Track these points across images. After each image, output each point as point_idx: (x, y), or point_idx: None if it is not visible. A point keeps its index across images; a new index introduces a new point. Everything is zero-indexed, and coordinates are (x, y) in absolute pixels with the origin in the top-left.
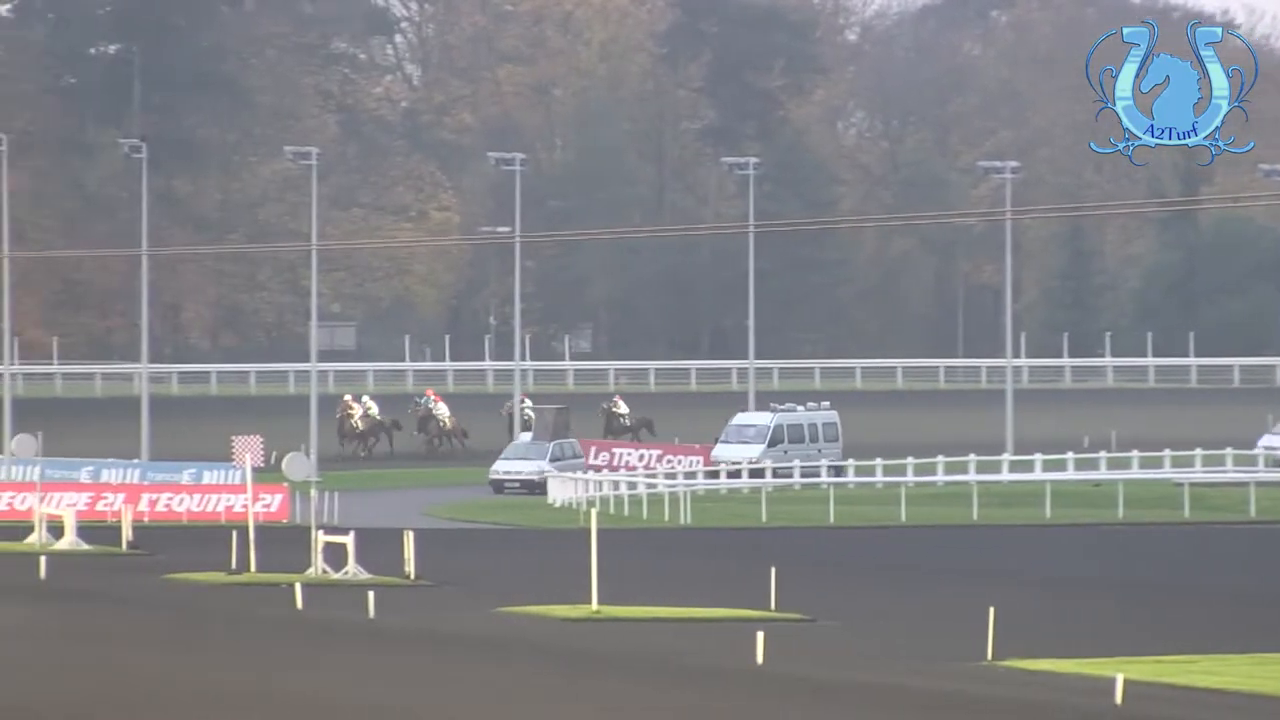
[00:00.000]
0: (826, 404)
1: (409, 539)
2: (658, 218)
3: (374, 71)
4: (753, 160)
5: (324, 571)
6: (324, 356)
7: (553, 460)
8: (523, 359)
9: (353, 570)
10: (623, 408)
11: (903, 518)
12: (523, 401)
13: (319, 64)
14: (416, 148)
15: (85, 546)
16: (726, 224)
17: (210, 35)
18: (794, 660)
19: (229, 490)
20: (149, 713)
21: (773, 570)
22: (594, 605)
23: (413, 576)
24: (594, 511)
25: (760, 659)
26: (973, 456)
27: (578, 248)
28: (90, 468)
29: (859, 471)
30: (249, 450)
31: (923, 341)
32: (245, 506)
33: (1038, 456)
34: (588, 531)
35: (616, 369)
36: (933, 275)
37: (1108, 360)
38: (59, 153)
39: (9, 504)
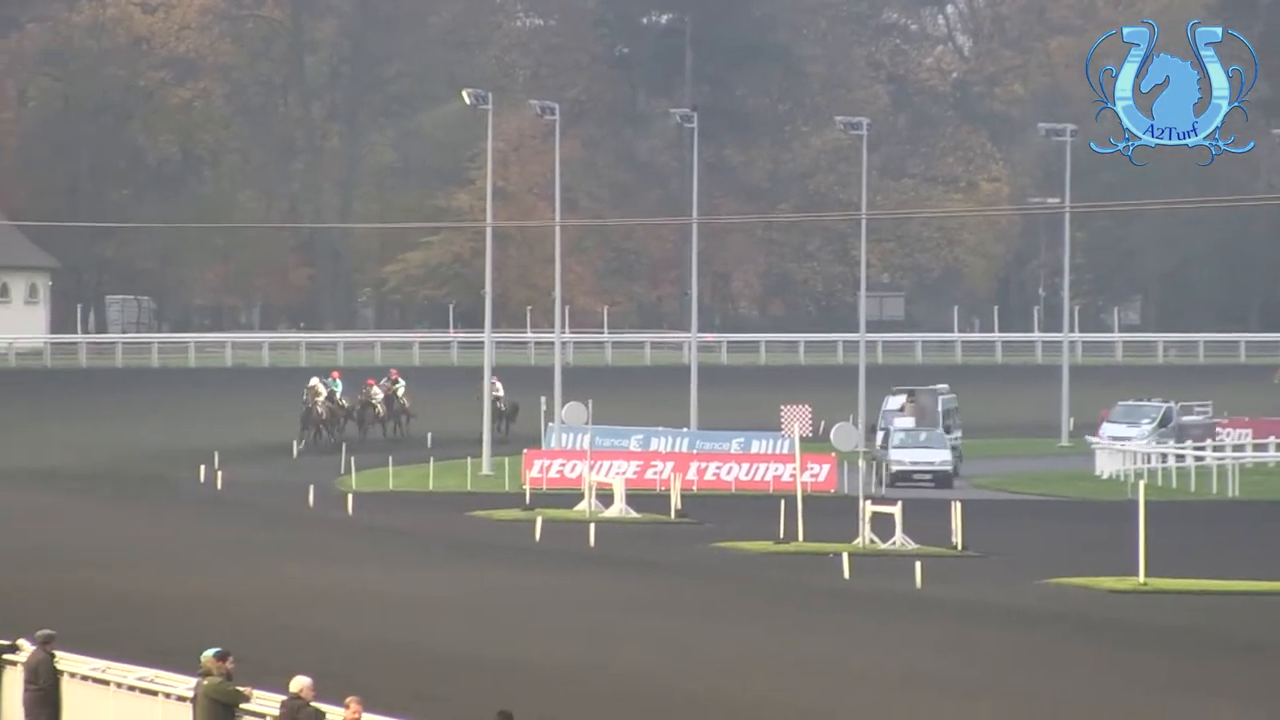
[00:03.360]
0: (944, 386)
1: (956, 510)
2: (1210, 189)
3: (925, 42)
4: None
5: (871, 541)
6: (873, 327)
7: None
8: (1071, 331)
9: (900, 541)
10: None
11: None
12: (493, 383)
13: (870, 34)
14: (966, 118)
15: (634, 514)
16: (1278, 196)
17: (762, 5)
18: None
19: (777, 459)
20: (698, 679)
21: None
22: (1141, 577)
23: (960, 547)
24: (1142, 484)
25: None
26: None
27: (1129, 219)
28: (639, 436)
29: None
30: (797, 420)
31: None
32: (793, 476)
33: None
34: (1135, 503)
35: (1165, 341)
36: None
37: None
38: (611, 122)
39: (559, 472)
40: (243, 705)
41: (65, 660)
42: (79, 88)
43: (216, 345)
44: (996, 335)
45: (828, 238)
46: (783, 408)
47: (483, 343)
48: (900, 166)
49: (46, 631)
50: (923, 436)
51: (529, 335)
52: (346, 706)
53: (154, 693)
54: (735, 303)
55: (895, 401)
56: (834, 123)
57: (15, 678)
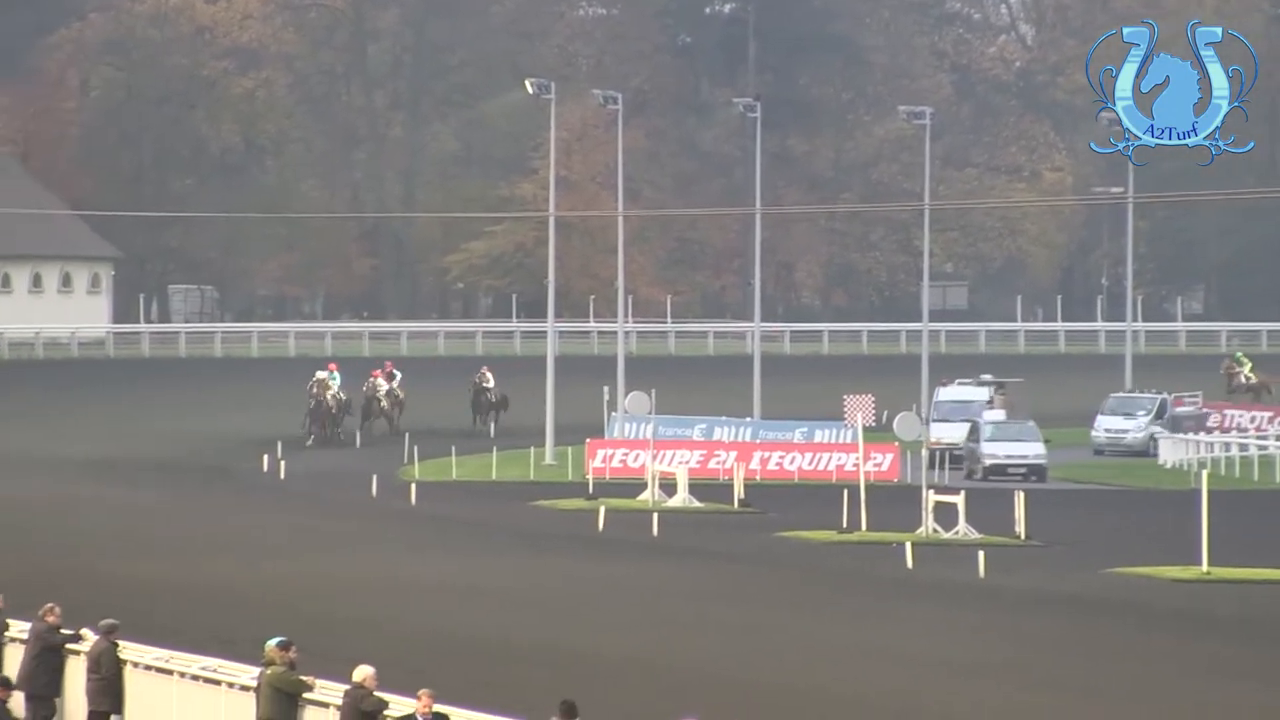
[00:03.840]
0: (989, 376)
1: (1020, 499)
2: (1271, 179)
3: (988, 31)
4: None
5: (934, 531)
6: (936, 316)
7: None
8: (1134, 320)
9: (963, 530)
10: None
11: None
12: (483, 372)
13: (933, 23)
14: (1029, 108)
15: (697, 504)
16: None
17: None
18: None
19: (840, 449)
20: (761, 669)
21: None
22: (1204, 567)
23: (1023, 537)
24: (1205, 473)
25: None
26: None
27: (1191, 209)
28: (702, 425)
29: None
30: (860, 409)
31: None
32: (856, 465)
33: None
34: (1198, 493)
35: (1228, 330)
36: None
37: None
38: (674, 111)
39: (622, 461)
40: (305, 695)
41: (128, 649)
42: (142, 77)
43: (280, 335)
44: (1059, 325)
45: (891, 227)
46: (846, 397)
47: (546, 332)
48: (963, 156)
49: (110, 621)
50: (1015, 430)
51: (592, 325)
52: (419, 699)
53: (217, 682)
54: (798, 292)
55: (947, 393)
56: (897, 112)
57: (78, 667)
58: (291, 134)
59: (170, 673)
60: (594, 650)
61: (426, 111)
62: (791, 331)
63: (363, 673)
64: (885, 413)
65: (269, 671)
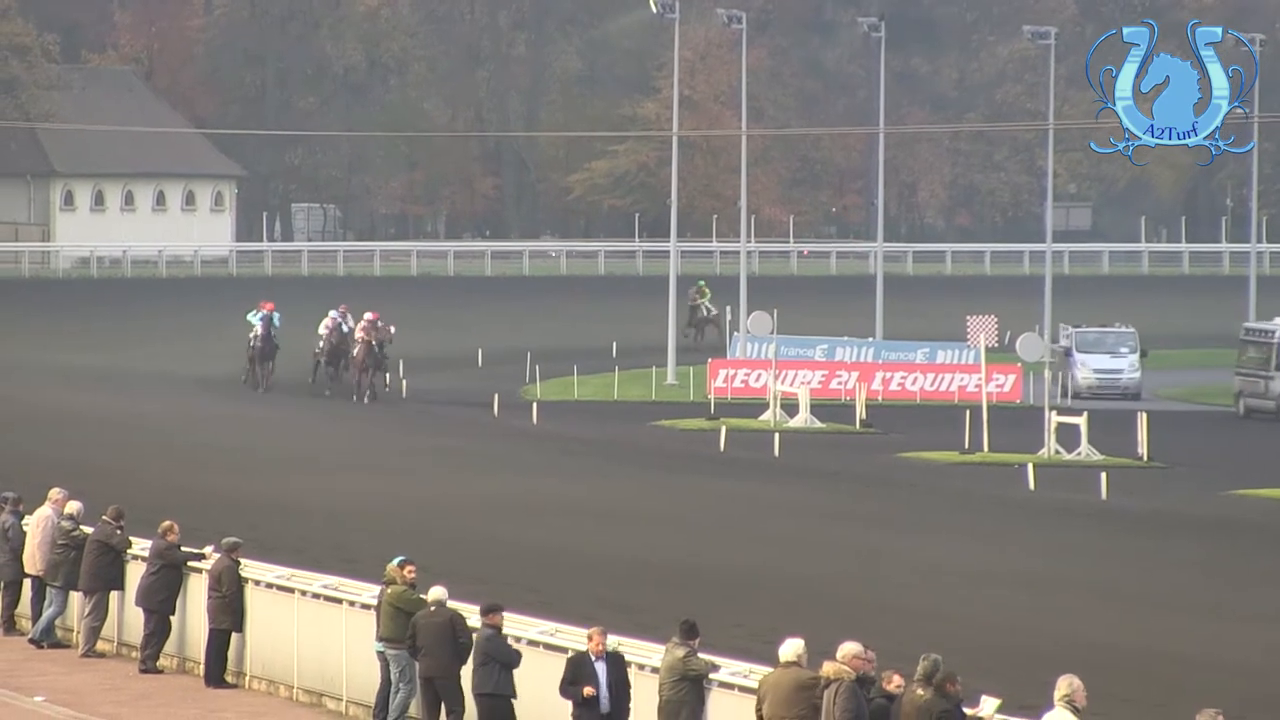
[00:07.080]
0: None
1: (1142, 420)
2: None
3: None
4: None
5: (1056, 452)
6: (1059, 237)
7: None
8: (1259, 241)
9: (1085, 451)
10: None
11: None
12: (343, 313)
13: None
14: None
15: (818, 424)
16: None
17: None
18: None
19: (962, 370)
20: (881, 587)
21: None
22: None
23: (1145, 458)
24: None
25: None
26: None
27: None
28: (824, 345)
29: None
30: (983, 330)
31: None
32: (978, 386)
33: None
34: None
35: None
36: None
37: None
38: (798, 31)
39: (744, 381)
40: None
41: (250, 567)
42: None
43: (402, 254)
44: (1183, 245)
45: (1014, 148)
46: (968, 318)
47: (668, 252)
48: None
49: (232, 539)
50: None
51: (714, 245)
52: (590, 639)
53: (338, 600)
54: (921, 213)
55: None
56: (1021, 32)
57: (199, 585)
58: (415, 53)
59: (291, 591)
60: (714, 569)
61: (550, 30)
62: (914, 252)
63: (436, 593)
64: (1008, 333)
65: (390, 590)
